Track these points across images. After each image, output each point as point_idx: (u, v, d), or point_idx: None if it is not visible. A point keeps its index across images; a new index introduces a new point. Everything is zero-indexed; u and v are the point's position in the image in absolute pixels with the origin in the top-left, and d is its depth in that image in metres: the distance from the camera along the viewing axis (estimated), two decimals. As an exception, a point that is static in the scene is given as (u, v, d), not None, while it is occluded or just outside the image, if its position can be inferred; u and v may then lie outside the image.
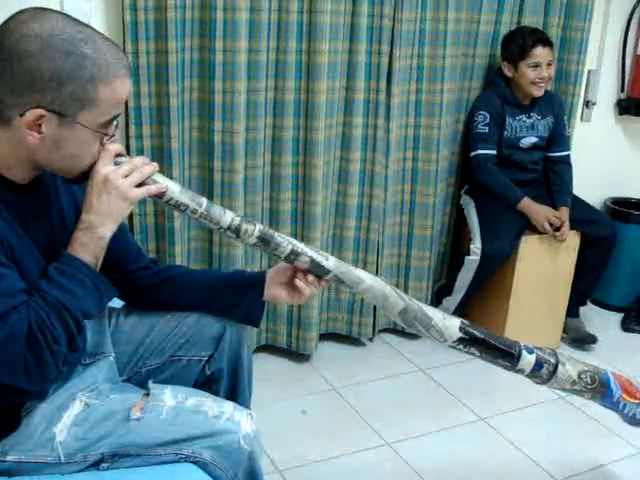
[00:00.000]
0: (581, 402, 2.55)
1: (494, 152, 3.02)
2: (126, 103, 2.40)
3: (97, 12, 2.37)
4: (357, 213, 2.92)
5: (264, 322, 2.90)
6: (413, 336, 3.14)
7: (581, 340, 3.19)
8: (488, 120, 2.99)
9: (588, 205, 3.23)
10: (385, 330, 3.19)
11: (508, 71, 3.01)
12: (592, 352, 3.14)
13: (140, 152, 2.47)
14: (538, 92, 3.00)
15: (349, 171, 2.85)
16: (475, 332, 1.68)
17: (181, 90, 2.47)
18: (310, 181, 2.73)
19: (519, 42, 2.95)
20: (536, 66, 2.94)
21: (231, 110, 2.52)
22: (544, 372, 1.77)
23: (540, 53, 2.93)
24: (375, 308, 3.04)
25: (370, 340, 3.14)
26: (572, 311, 3.22)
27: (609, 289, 3.55)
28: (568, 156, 3.19)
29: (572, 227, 3.04)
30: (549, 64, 2.96)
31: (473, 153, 3.03)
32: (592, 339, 3.19)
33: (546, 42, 2.95)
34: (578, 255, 3.10)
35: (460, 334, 1.66)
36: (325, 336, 3.08)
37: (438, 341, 1.66)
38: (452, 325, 1.65)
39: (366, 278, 1.59)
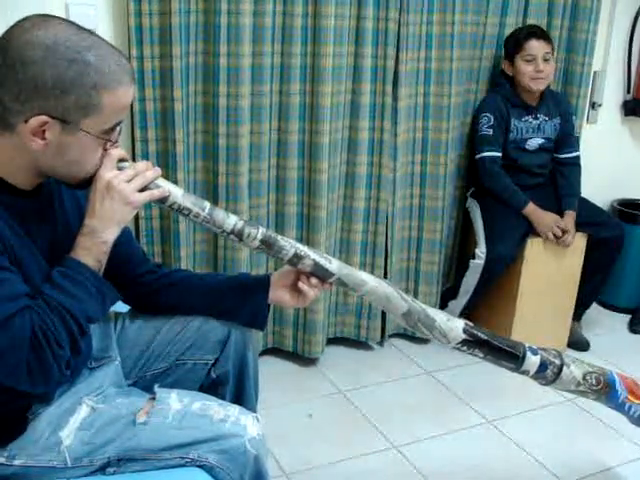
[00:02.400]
0: (588, 405, 2.55)
1: (499, 154, 3.01)
2: (131, 107, 2.41)
3: (102, 18, 2.38)
4: (364, 216, 2.92)
5: (271, 325, 2.90)
6: (420, 340, 3.14)
7: (573, 344, 3.18)
8: (492, 122, 2.99)
9: (595, 207, 3.22)
10: (392, 334, 3.19)
11: (508, 69, 3.01)
12: (599, 354, 3.13)
13: (145, 156, 2.47)
14: (538, 86, 2.98)
15: (355, 174, 2.85)
16: (479, 334, 1.68)
17: (186, 94, 2.47)
18: (315, 185, 2.73)
19: (515, 37, 2.96)
20: (531, 60, 2.92)
21: (236, 114, 2.53)
22: (548, 373, 1.77)
23: (534, 45, 2.91)
24: (383, 312, 3.03)
25: (377, 344, 3.14)
26: (574, 313, 3.21)
27: (616, 290, 3.54)
28: (577, 157, 3.18)
29: (579, 229, 3.03)
30: (546, 59, 2.94)
31: (479, 155, 3.02)
32: (586, 345, 3.20)
33: (540, 35, 2.93)
34: (585, 257, 3.09)
35: (464, 336, 1.66)
36: (333, 340, 3.07)
37: (442, 343, 1.66)
38: (456, 327, 1.66)
39: (369, 280, 1.59)
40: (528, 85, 2.98)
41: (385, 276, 3.00)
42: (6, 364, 1.23)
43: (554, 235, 2.95)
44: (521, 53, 2.93)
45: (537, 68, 2.93)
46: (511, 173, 3.03)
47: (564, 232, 2.96)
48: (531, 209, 2.97)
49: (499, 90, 3.06)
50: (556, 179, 3.15)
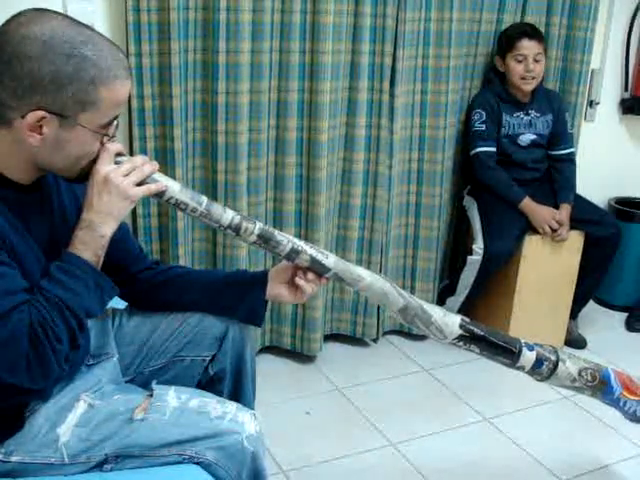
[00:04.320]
0: (586, 402, 2.55)
1: (494, 149, 3.03)
2: (129, 104, 2.41)
3: (100, 14, 2.38)
4: (361, 214, 2.92)
5: (269, 323, 2.90)
6: (417, 336, 3.14)
7: (570, 342, 3.19)
8: (484, 118, 3.00)
9: (592, 205, 3.22)
10: (389, 331, 3.19)
11: (500, 66, 3.02)
12: (596, 351, 3.13)
13: (144, 153, 2.46)
14: (527, 86, 3.00)
15: (352, 172, 2.85)
16: (475, 329, 1.68)
17: (184, 91, 2.47)
18: (314, 182, 2.73)
19: (507, 35, 2.97)
20: (522, 59, 2.94)
21: (234, 111, 2.52)
22: (544, 369, 1.77)
23: (525, 45, 2.92)
24: (379, 308, 3.04)
25: (374, 341, 3.14)
26: (571, 311, 3.22)
27: (614, 289, 3.55)
28: (572, 153, 3.18)
29: (576, 227, 3.04)
30: (537, 59, 2.95)
31: (473, 151, 3.03)
32: (583, 343, 3.20)
33: (532, 35, 2.93)
34: (582, 255, 3.09)
35: (460, 331, 1.66)
36: (329, 337, 3.07)
37: (438, 338, 1.66)
38: (452, 322, 1.66)
39: (366, 276, 1.59)
40: (518, 84, 3.00)
41: (381, 273, 3.00)
42: (5, 359, 1.23)
43: (550, 228, 2.95)
44: (512, 52, 2.94)
45: (527, 68, 2.94)
46: (506, 168, 3.04)
47: (560, 225, 2.96)
48: (527, 203, 2.98)
49: (490, 86, 3.08)
50: (552, 175, 3.16)
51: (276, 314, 2.91)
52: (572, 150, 3.19)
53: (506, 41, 2.96)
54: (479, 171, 3.04)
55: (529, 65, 2.94)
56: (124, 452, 1.41)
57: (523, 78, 2.97)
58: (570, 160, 3.17)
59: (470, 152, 3.05)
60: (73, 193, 1.48)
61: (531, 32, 2.94)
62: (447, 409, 2.69)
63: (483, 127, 3.00)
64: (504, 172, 3.02)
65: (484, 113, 3.00)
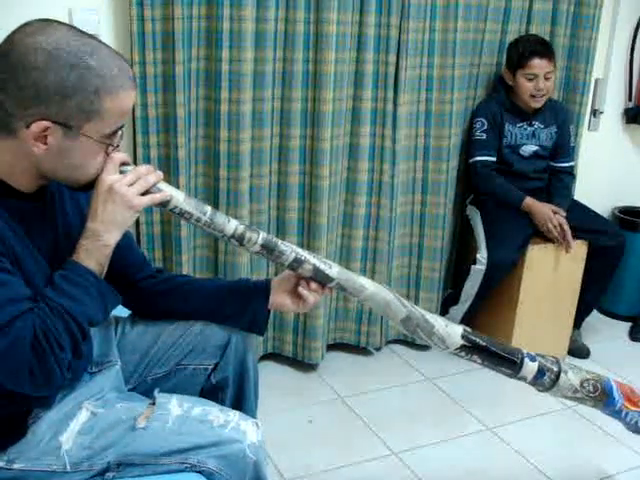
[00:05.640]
0: (588, 412, 2.54)
1: (493, 159, 3.03)
2: (133, 112, 2.42)
3: (105, 23, 2.39)
4: (365, 223, 2.92)
5: (270, 330, 2.90)
6: (420, 346, 3.14)
7: (573, 352, 3.19)
8: (486, 127, 3.00)
9: (596, 214, 3.21)
10: (393, 340, 3.19)
11: (509, 79, 3.02)
12: (600, 361, 3.13)
13: (147, 161, 2.47)
14: (536, 104, 3.00)
15: (356, 181, 2.85)
16: (477, 339, 1.68)
17: (188, 99, 2.48)
18: (316, 190, 2.73)
19: (518, 51, 2.95)
20: (532, 78, 2.93)
21: (237, 119, 2.53)
22: (546, 380, 1.77)
23: (537, 64, 2.91)
24: (383, 317, 3.03)
25: (377, 350, 3.13)
26: (575, 321, 3.21)
27: (617, 298, 3.54)
28: (572, 167, 3.19)
29: (580, 236, 3.03)
30: (547, 77, 2.94)
31: (471, 160, 3.04)
32: (586, 353, 3.20)
33: (544, 54, 2.92)
34: (585, 264, 3.09)
35: (462, 341, 1.66)
36: (333, 346, 3.07)
37: (440, 348, 1.66)
38: (454, 332, 1.66)
39: (369, 286, 1.59)
40: (527, 101, 3.00)
41: (386, 282, 3.00)
42: (8, 367, 1.23)
43: (554, 227, 2.93)
44: (523, 70, 2.93)
45: (537, 87, 2.94)
46: (507, 178, 3.04)
47: (562, 228, 2.94)
48: (528, 202, 2.97)
49: (495, 96, 3.08)
50: (550, 185, 3.16)
51: (278, 322, 2.91)
52: (572, 164, 3.19)
53: (517, 58, 2.94)
54: (477, 180, 3.05)
55: (539, 84, 2.93)
56: (126, 460, 1.41)
57: (533, 96, 2.97)
58: (569, 173, 3.18)
59: (469, 160, 3.06)
60: (77, 202, 1.48)
61: (542, 50, 2.92)
62: (450, 418, 2.69)
63: (483, 136, 3.01)
64: (501, 178, 3.02)
65: (486, 122, 3.01)
